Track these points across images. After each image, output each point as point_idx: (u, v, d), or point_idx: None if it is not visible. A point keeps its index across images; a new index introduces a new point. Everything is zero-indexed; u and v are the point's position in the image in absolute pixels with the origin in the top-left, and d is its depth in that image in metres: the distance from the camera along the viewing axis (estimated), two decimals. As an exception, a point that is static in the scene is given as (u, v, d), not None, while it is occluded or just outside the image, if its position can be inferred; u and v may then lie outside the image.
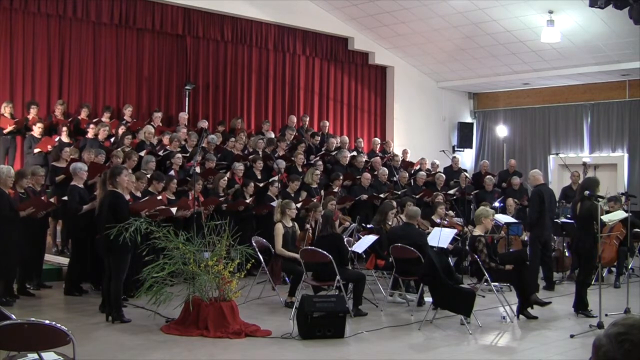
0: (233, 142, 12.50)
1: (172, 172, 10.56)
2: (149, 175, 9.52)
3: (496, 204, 12.27)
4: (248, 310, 7.90)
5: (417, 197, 12.36)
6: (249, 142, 12.90)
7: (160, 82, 13.79)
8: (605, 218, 9.16)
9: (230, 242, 7.32)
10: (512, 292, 8.64)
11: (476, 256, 7.90)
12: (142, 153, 10.71)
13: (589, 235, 7.98)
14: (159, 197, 9.14)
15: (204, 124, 13.21)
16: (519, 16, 13.71)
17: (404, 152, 15.14)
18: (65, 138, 11.08)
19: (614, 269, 10.88)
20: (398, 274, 8.52)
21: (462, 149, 18.51)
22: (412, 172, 14.29)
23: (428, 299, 8.13)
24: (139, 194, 8.96)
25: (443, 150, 16.07)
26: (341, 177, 12.33)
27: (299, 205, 10.21)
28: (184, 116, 13.21)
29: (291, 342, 6.68)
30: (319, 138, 14.45)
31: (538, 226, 9.79)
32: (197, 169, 10.46)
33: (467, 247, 9.08)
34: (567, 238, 11.04)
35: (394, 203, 10.21)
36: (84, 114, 12.05)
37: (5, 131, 11.16)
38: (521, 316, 7.93)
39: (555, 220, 10.55)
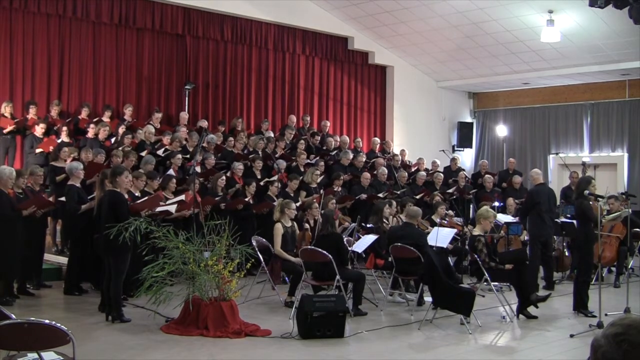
0: (233, 142, 12.51)
1: (171, 172, 10.57)
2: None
3: (496, 203, 12.27)
4: (248, 309, 7.90)
5: (416, 197, 12.36)
6: (248, 142, 12.91)
7: (160, 81, 13.79)
8: (609, 217, 9.28)
9: (230, 241, 7.32)
10: (511, 292, 8.64)
11: (476, 256, 7.91)
12: (143, 153, 10.72)
13: (582, 233, 8.16)
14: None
15: (203, 123, 13.22)
16: (519, 16, 13.71)
17: (402, 152, 15.14)
18: (65, 138, 11.09)
19: (614, 269, 10.89)
20: (398, 274, 8.52)
21: (462, 149, 18.51)
22: (411, 172, 14.29)
23: (428, 298, 8.14)
24: (138, 193, 8.96)
25: (443, 150, 16.08)
26: (342, 177, 12.33)
27: (298, 204, 10.21)
28: (184, 116, 13.22)
29: (291, 341, 6.68)
30: (319, 138, 14.46)
31: (535, 226, 9.83)
32: (198, 169, 10.47)
33: (466, 247, 9.09)
34: (567, 238, 11.06)
35: (393, 202, 10.20)
36: (84, 114, 12.05)
37: (5, 131, 11.16)
38: (521, 316, 7.93)
39: (555, 220, 10.57)
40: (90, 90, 12.88)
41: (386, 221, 9.84)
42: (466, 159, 18.57)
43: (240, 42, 14.78)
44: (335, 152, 13.92)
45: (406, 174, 13.64)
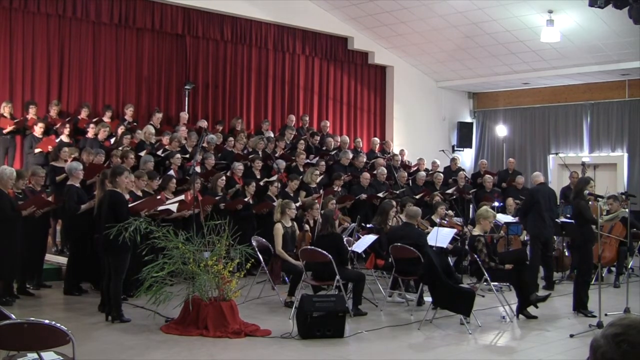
0: (233, 142, 12.51)
1: (171, 172, 10.57)
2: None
3: (496, 203, 12.27)
4: (248, 309, 7.90)
5: (416, 197, 12.36)
6: (248, 142, 12.91)
7: (160, 82, 13.79)
8: (606, 218, 9.32)
9: (230, 241, 7.32)
10: (511, 292, 8.64)
11: (476, 256, 7.91)
12: (142, 153, 10.72)
13: (579, 234, 8.21)
14: (158, 197, 9.15)
15: (203, 123, 13.22)
16: (519, 16, 13.71)
17: (401, 152, 15.14)
18: (65, 138, 11.09)
19: (613, 269, 10.89)
20: (398, 274, 8.52)
21: (462, 149, 18.52)
22: (411, 172, 14.30)
23: (428, 298, 8.14)
24: (139, 193, 8.97)
25: (443, 150, 16.07)
26: (343, 177, 12.34)
27: (298, 204, 10.22)
28: (184, 116, 13.23)
29: (291, 341, 6.68)
30: (318, 138, 14.46)
31: (536, 226, 9.83)
32: (197, 169, 10.46)
33: (466, 247, 9.09)
34: (567, 238, 11.05)
35: (394, 202, 10.22)
36: (84, 114, 12.05)
37: (5, 131, 11.16)
38: (521, 316, 7.93)
39: (556, 220, 10.57)
40: (90, 90, 12.88)
41: (389, 222, 9.84)
42: (466, 159, 18.57)
43: (240, 42, 14.78)
44: (334, 152, 13.92)
45: (406, 174, 13.64)
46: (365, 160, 13.81)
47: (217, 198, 10.29)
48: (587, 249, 8.09)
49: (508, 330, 7.59)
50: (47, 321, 4.12)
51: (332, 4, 15.18)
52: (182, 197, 9.55)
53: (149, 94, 13.65)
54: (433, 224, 10.03)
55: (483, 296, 8.77)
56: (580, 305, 8.12)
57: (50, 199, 8.81)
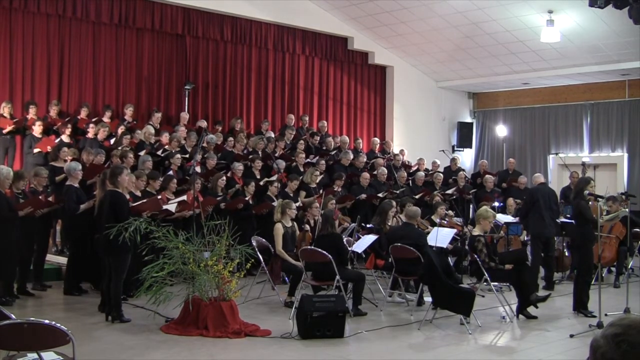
0: (233, 142, 12.51)
1: (171, 172, 10.57)
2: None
3: (496, 203, 12.27)
4: (248, 310, 7.90)
5: (416, 197, 12.36)
6: (248, 142, 12.91)
7: (160, 82, 13.79)
8: (606, 218, 9.34)
9: (230, 241, 7.32)
10: (511, 292, 8.64)
11: (476, 256, 7.91)
12: (142, 153, 10.72)
13: (579, 234, 8.22)
14: (159, 197, 9.14)
15: (202, 123, 13.22)
16: (519, 16, 13.72)
17: (401, 152, 15.14)
18: (65, 138, 11.09)
19: (613, 269, 10.89)
20: (398, 274, 8.52)
21: (462, 149, 18.52)
22: (411, 172, 14.30)
23: (428, 298, 8.14)
24: (138, 193, 8.96)
25: (443, 150, 16.07)
26: (344, 177, 12.34)
27: (298, 204, 10.22)
28: (185, 116, 13.23)
29: (291, 341, 6.68)
30: (318, 138, 14.46)
31: (536, 226, 9.83)
32: (198, 169, 10.46)
33: (466, 247, 9.09)
34: (567, 238, 11.05)
35: (393, 202, 10.22)
36: (83, 114, 12.05)
37: (4, 131, 11.16)
38: (521, 316, 7.93)
39: (556, 220, 10.58)
40: (90, 90, 12.88)
41: (389, 223, 9.83)
42: (466, 159, 18.57)
43: (240, 42, 14.78)
44: (334, 152, 13.93)
45: (405, 174, 13.64)
46: (365, 160, 13.81)
47: (217, 198, 10.29)
48: (587, 249, 8.09)
49: (508, 330, 7.59)
50: (47, 321, 4.12)
51: (332, 4, 15.18)
52: (184, 197, 9.54)
53: (149, 94, 13.65)
54: (433, 224, 10.02)
55: (483, 296, 8.77)
56: (580, 306, 8.12)
57: (50, 199, 8.80)
